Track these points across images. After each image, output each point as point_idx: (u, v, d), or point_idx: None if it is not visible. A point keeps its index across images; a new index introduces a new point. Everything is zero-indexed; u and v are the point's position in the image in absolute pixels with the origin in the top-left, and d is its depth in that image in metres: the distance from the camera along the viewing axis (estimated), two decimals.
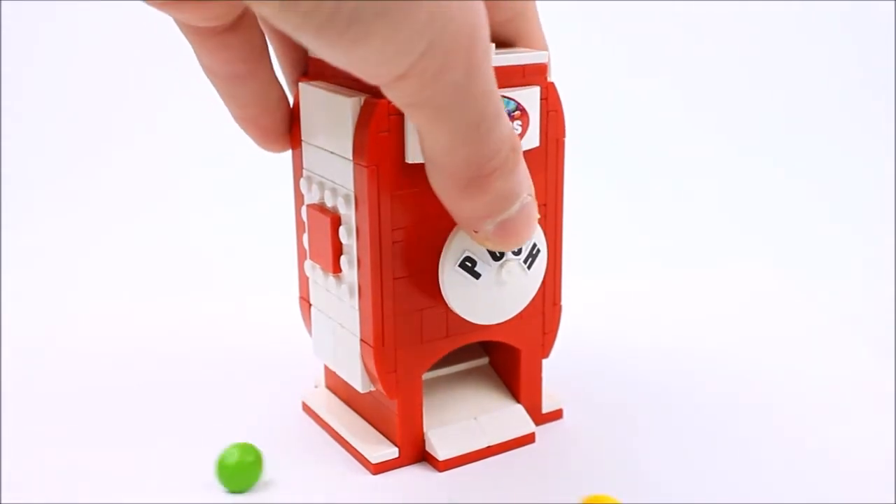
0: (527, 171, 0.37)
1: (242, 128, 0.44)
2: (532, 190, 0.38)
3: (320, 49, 0.30)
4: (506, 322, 0.45)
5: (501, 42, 0.43)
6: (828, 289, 0.67)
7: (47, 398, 0.52)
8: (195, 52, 0.41)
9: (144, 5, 0.36)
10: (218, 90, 0.43)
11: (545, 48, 0.44)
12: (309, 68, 0.44)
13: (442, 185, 0.37)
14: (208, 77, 0.42)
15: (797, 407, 0.51)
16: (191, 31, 0.39)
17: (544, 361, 0.48)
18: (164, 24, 0.41)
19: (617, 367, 0.56)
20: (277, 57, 0.45)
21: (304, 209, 0.45)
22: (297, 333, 0.50)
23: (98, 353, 0.57)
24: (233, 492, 0.43)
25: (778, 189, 0.84)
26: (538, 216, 0.39)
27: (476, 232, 0.38)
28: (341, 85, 0.42)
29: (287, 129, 0.45)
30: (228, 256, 0.73)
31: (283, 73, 0.45)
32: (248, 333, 0.60)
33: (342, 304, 0.44)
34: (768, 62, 0.93)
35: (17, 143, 0.84)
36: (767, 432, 0.48)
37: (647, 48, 0.93)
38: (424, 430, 0.45)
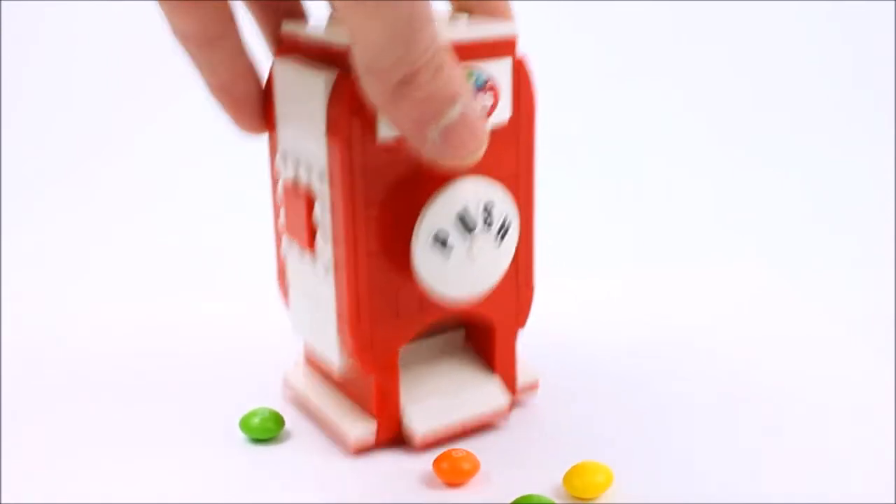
0: (463, 76, 0.38)
1: (216, 99, 0.45)
2: (472, 98, 0.38)
3: None
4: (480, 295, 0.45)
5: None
6: (822, 287, 0.67)
7: (43, 397, 0.52)
8: (166, 16, 0.42)
9: (143, 4, 0.37)
10: (191, 56, 0.43)
11: (512, 18, 0.44)
12: (282, 46, 0.45)
13: (376, 91, 0.37)
14: (181, 43, 0.43)
15: (788, 401, 0.51)
16: None
17: (524, 350, 0.48)
18: (163, 26, 0.42)
19: (600, 359, 0.56)
20: (255, 22, 0.46)
21: (279, 186, 0.45)
22: (277, 311, 0.51)
23: (87, 348, 0.58)
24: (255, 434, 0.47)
25: (767, 184, 0.84)
26: (486, 129, 0.39)
27: (424, 144, 0.38)
28: (314, 60, 0.42)
29: (259, 103, 0.45)
30: (217, 249, 0.73)
31: (264, 39, 0.46)
32: (240, 324, 0.60)
33: (318, 280, 0.44)
34: (762, 57, 0.93)
35: (17, 144, 0.85)
36: (756, 428, 0.48)
37: (632, 42, 0.93)
38: (402, 404, 0.46)
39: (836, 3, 0.93)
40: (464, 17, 0.43)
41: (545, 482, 0.43)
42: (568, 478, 0.42)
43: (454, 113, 0.37)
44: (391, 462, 0.45)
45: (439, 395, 0.47)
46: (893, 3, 0.92)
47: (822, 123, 0.90)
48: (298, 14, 0.46)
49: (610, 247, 0.75)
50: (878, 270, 0.68)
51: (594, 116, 0.88)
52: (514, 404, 0.49)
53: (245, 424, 0.47)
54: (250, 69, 0.45)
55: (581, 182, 0.81)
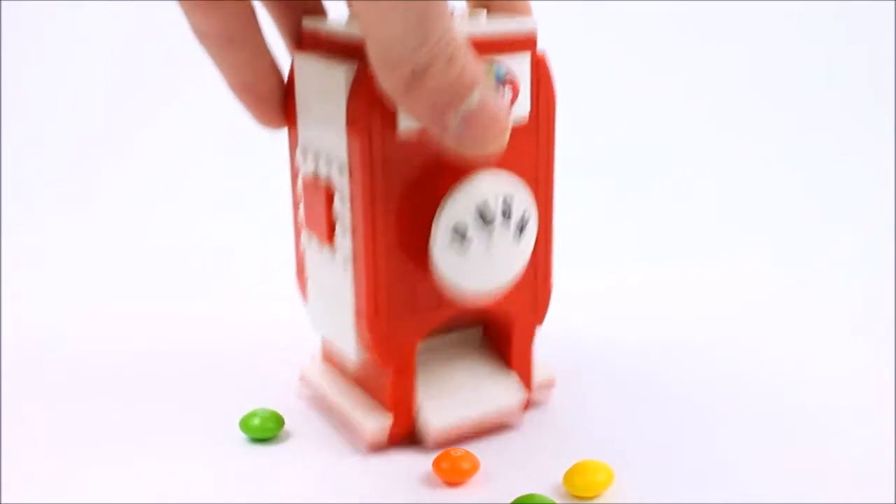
0: (480, 66, 0.38)
1: (239, 98, 0.45)
2: (491, 86, 0.38)
3: None
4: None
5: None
6: (827, 287, 0.67)
7: (43, 397, 0.52)
8: (187, 15, 0.42)
9: (144, 4, 0.37)
10: (212, 56, 0.43)
11: (530, 12, 0.45)
12: (303, 41, 0.45)
13: (390, 83, 0.37)
14: (201, 42, 0.43)
15: (791, 401, 0.51)
16: None
17: (533, 350, 0.49)
18: (164, 26, 0.42)
19: (606, 358, 0.56)
20: (274, 22, 0.46)
21: (299, 180, 0.45)
22: (290, 325, 0.51)
23: (88, 348, 0.58)
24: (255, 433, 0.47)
25: (772, 185, 0.85)
26: (509, 119, 0.39)
27: (445, 133, 0.38)
28: (335, 54, 0.42)
29: (281, 99, 0.45)
30: (221, 250, 0.73)
31: (282, 39, 0.46)
32: (241, 325, 0.60)
33: (336, 273, 0.44)
34: (768, 58, 0.94)
35: (17, 144, 0.85)
36: (760, 428, 0.48)
37: (640, 44, 0.94)
38: (418, 399, 0.46)
39: (840, 3, 0.94)
40: (482, 13, 0.43)
41: (545, 482, 0.44)
42: (568, 476, 0.42)
43: (473, 100, 0.37)
44: (391, 462, 0.46)
45: (455, 391, 0.47)
46: (894, 2, 0.93)
47: (827, 125, 0.91)
48: (317, 13, 0.46)
49: (616, 246, 0.75)
50: (883, 271, 0.69)
51: (600, 117, 0.88)
52: (529, 402, 0.49)
53: (245, 424, 0.47)
54: (272, 66, 0.45)
55: (588, 182, 0.82)
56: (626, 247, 0.75)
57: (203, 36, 0.43)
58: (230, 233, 0.76)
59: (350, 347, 0.45)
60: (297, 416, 0.49)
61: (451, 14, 0.37)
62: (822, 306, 0.64)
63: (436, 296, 0.44)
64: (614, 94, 0.91)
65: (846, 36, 0.95)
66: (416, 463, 0.45)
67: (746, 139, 0.89)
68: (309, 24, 0.45)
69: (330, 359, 0.50)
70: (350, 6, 0.38)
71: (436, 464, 0.43)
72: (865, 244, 0.74)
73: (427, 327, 0.45)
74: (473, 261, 0.43)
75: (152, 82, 0.86)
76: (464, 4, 0.46)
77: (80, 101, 0.87)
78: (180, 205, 0.81)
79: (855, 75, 0.94)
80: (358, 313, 0.44)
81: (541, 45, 0.44)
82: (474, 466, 0.43)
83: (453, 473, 0.43)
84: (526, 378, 0.49)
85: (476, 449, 0.45)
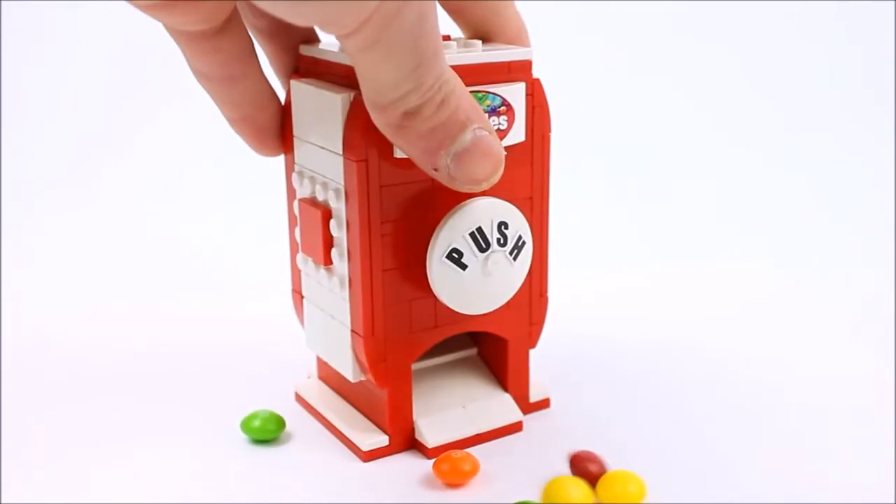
0: (473, 103, 0.38)
1: (237, 130, 0.45)
2: (486, 124, 0.38)
3: (282, 13, 0.31)
4: (493, 313, 0.45)
5: (484, 38, 0.45)
6: (829, 287, 0.67)
7: (44, 397, 0.52)
8: (187, 57, 0.41)
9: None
10: (211, 94, 0.43)
11: (528, 44, 0.45)
12: (300, 67, 0.45)
13: (382, 123, 0.38)
14: (200, 82, 0.43)
15: (791, 401, 0.51)
16: (182, 37, 0.40)
17: (533, 352, 0.49)
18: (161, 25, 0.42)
19: (606, 359, 0.56)
20: (269, 59, 0.46)
21: (295, 203, 0.45)
22: (290, 326, 0.51)
23: (90, 349, 0.58)
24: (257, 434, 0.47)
25: (772, 185, 0.85)
26: (503, 151, 0.39)
27: (437, 171, 0.38)
28: (331, 82, 0.42)
29: (279, 128, 0.46)
30: (222, 251, 0.73)
31: (276, 74, 0.46)
32: (242, 326, 0.60)
33: (333, 295, 0.44)
34: (769, 58, 0.94)
35: (17, 144, 0.85)
36: (761, 428, 0.48)
37: (639, 43, 0.94)
38: (414, 418, 0.46)
39: (841, 3, 0.94)
40: (478, 43, 0.43)
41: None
42: (601, 487, 0.42)
43: (464, 140, 0.38)
44: (391, 463, 0.46)
45: (451, 410, 0.47)
46: (894, 2, 0.93)
47: (827, 125, 0.91)
48: (311, 42, 0.46)
49: (616, 247, 0.75)
50: (883, 271, 0.69)
51: (599, 117, 0.88)
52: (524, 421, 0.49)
53: (246, 426, 0.47)
54: (272, 98, 0.45)
55: (588, 183, 0.82)
56: (626, 247, 0.75)
57: (203, 76, 0.42)
58: (232, 233, 0.76)
59: (347, 368, 0.45)
60: (297, 417, 0.50)
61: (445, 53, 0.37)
62: (822, 306, 0.64)
63: (431, 316, 0.45)
64: (614, 93, 0.91)
65: (846, 36, 0.95)
66: (416, 465, 0.45)
67: (746, 139, 0.89)
68: (306, 50, 0.45)
69: (325, 377, 0.51)
70: (346, 53, 0.37)
71: (436, 465, 0.44)
72: (865, 244, 0.74)
73: (422, 347, 0.45)
74: (469, 284, 0.43)
75: (152, 82, 0.86)
76: (461, 33, 0.46)
77: (80, 102, 0.87)
78: (181, 204, 0.81)
79: (855, 75, 0.93)
80: (354, 334, 0.44)
81: (541, 46, 0.44)
82: (475, 468, 0.44)
83: (454, 475, 0.43)
84: (522, 397, 0.49)
85: (476, 450, 0.46)
